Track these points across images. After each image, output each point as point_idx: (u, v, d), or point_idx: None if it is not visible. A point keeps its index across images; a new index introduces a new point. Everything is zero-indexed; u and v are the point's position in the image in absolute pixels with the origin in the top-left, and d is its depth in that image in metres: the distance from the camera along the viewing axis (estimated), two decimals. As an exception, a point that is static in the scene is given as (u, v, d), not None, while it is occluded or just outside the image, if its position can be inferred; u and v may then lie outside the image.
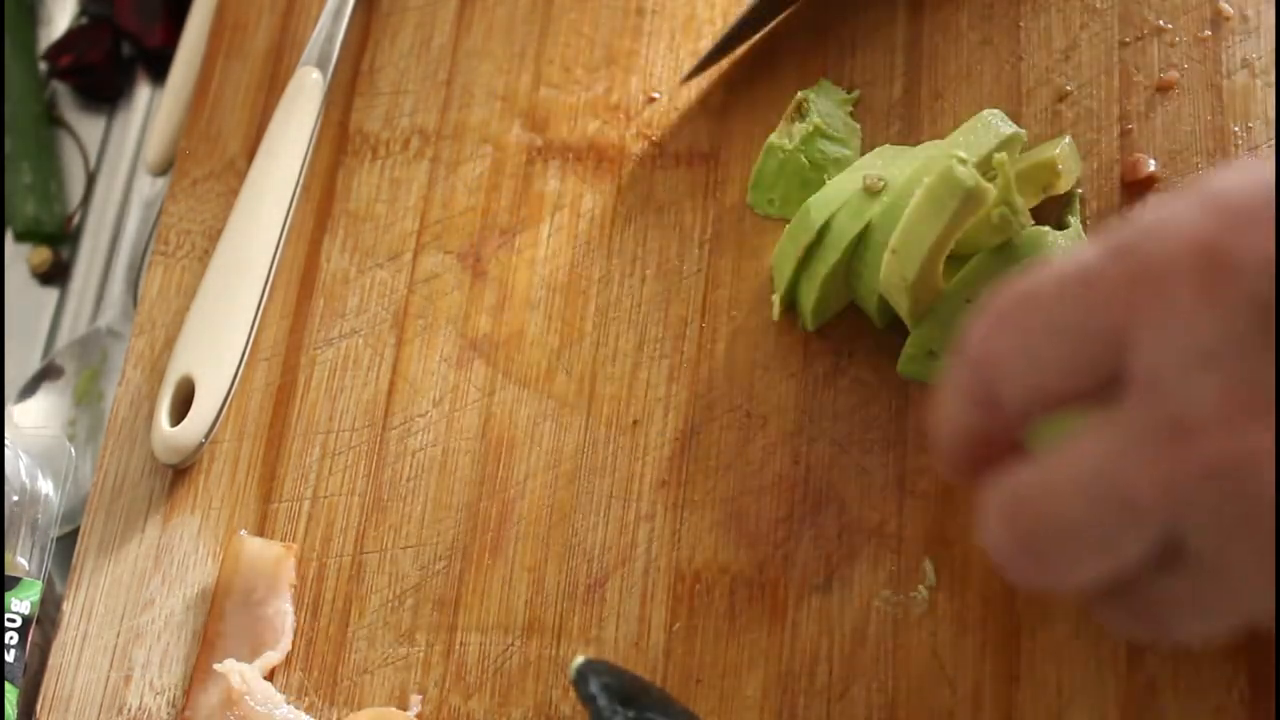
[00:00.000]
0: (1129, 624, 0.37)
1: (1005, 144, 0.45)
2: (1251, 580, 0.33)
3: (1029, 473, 0.34)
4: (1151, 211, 0.33)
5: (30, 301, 0.61)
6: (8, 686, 0.46)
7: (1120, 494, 0.32)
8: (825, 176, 0.49)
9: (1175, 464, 0.31)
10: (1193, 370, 0.31)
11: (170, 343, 0.51)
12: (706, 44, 0.54)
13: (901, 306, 0.45)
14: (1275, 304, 0.30)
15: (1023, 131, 0.46)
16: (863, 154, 0.50)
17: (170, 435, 0.49)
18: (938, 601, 0.44)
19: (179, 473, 0.50)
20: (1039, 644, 0.43)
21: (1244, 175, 0.32)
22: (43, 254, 0.61)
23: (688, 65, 0.53)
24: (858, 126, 0.51)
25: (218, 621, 0.46)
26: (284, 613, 0.46)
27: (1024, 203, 0.44)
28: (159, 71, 0.63)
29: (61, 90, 0.65)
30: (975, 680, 0.43)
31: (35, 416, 0.56)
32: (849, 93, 0.52)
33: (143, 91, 0.64)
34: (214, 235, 0.53)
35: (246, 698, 0.44)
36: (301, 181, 0.53)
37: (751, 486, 0.46)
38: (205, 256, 0.53)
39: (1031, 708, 0.42)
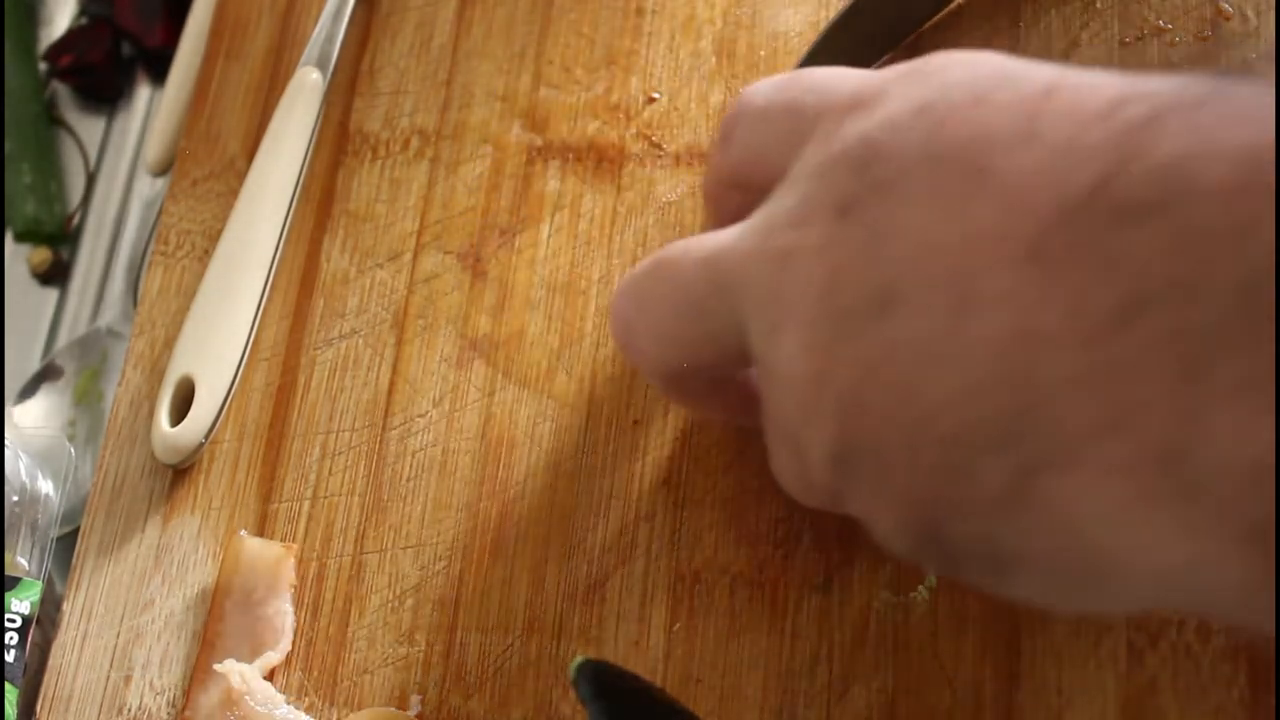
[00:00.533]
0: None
1: None
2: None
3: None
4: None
5: (30, 301, 0.61)
6: (8, 686, 0.46)
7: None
8: None
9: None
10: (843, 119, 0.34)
11: (170, 343, 0.51)
12: (706, 44, 0.54)
13: None
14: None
15: None
16: None
17: (170, 435, 0.49)
18: (938, 601, 0.44)
19: (179, 473, 0.50)
20: (1039, 644, 0.43)
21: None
22: (43, 254, 0.61)
23: (688, 66, 0.53)
24: None
25: (218, 621, 0.46)
26: (284, 613, 0.46)
27: None
28: (159, 71, 0.63)
29: (61, 90, 0.65)
30: (975, 680, 0.43)
31: (35, 416, 0.56)
32: None
33: (143, 91, 0.64)
34: (214, 235, 0.53)
35: (246, 698, 0.44)
36: (301, 181, 0.53)
37: (751, 486, 0.46)
38: (205, 256, 0.53)
39: (1031, 708, 0.42)
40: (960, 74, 0.33)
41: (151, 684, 0.46)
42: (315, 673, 0.46)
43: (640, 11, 0.55)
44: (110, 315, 0.58)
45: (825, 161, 0.33)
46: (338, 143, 0.55)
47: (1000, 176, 0.30)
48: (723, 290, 0.35)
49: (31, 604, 0.47)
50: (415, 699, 0.45)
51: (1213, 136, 0.27)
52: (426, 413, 0.49)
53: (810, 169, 0.34)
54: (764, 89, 0.39)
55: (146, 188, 0.60)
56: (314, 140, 0.54)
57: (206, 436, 0.49)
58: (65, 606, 0.48)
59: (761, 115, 0.38)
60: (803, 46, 0.53)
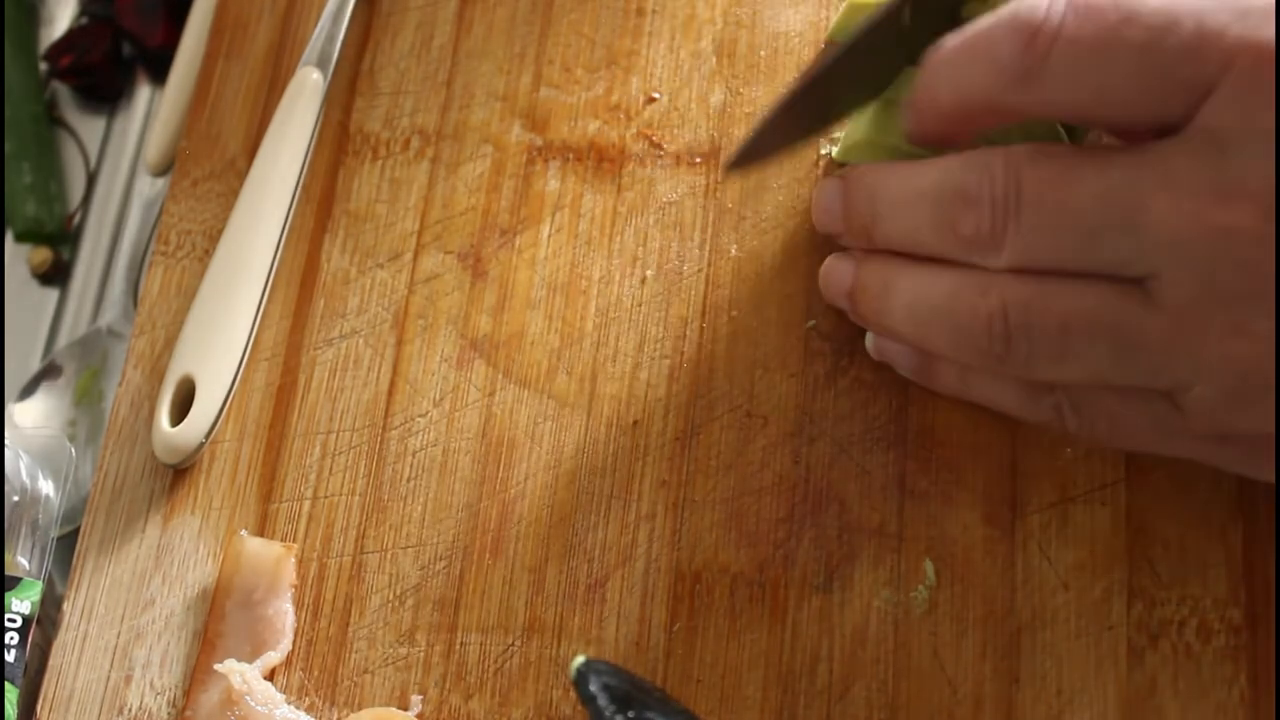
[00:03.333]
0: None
1: None
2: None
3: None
4: None
5: (30, 301, 0.61)
6: (8, 686, 0.46)
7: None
8: None
9: None
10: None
11: (170, 343, 0.51)
12: (706, 44, 0.54)
13: None
14: None
15: None
16: None
17: (170, 435, 0.49)
18: (938, 601, 0.44)
19: (179, 473, 0.50)
20: (1039, 644, 0.43)
21: None
22: (43, 254, 0.61)
23: (688, 66, 0.53)
24: None
25: (218, 621, 0.46)
26: (284, 613, 0.46)
27: None
28: (159, 71, 0.63)
29: (61, 90, 0.65)
30: (975, 680, 0.43)
31: (35, 416, 0.56)
32: None
33: (143, 91, 0.64)
34: (214, 235, 0.53)
35: (247, 698, 0.44)
36: (302, 181, 0.53)
37: (752, 486, 0.46)
38: (205, 256, 0.53)
39: (1031, 708, 0.42)
40: None
41: (152, 684, 0.47)
42: (316, 673, 0.46)
43: (640, 11, 0.55)
44: (110, 315, 0.58)
45: None
46: (338, 143, 0.55)
47: None
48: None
49: (32, 604, 0.47)
50: (416, 699, 0.45)
51: None
52: (427, 413, 0.49)
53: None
54: (1071, 18, 0.38)
55: (147, 188, 0.60)
56: (314, 140, 0.54)
57: (207, 436, 0.49)
58: (65, 606, 0.48)
59: (1097, 52, 0.37)
60: (803, 46, 0.53)
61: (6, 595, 0.47)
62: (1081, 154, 0.38)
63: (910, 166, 0.42)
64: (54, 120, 0.64)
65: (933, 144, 0.43)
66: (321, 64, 0.54)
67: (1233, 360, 0.37)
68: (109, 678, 0.47)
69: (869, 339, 0.47)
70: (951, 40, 0.40)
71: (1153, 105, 0.37)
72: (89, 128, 0.64)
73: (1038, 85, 0.38)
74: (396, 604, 0.47)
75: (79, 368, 0.57)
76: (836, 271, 0.46)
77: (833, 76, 0.44)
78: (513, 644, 0.46)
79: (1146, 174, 0.37)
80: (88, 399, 0.57)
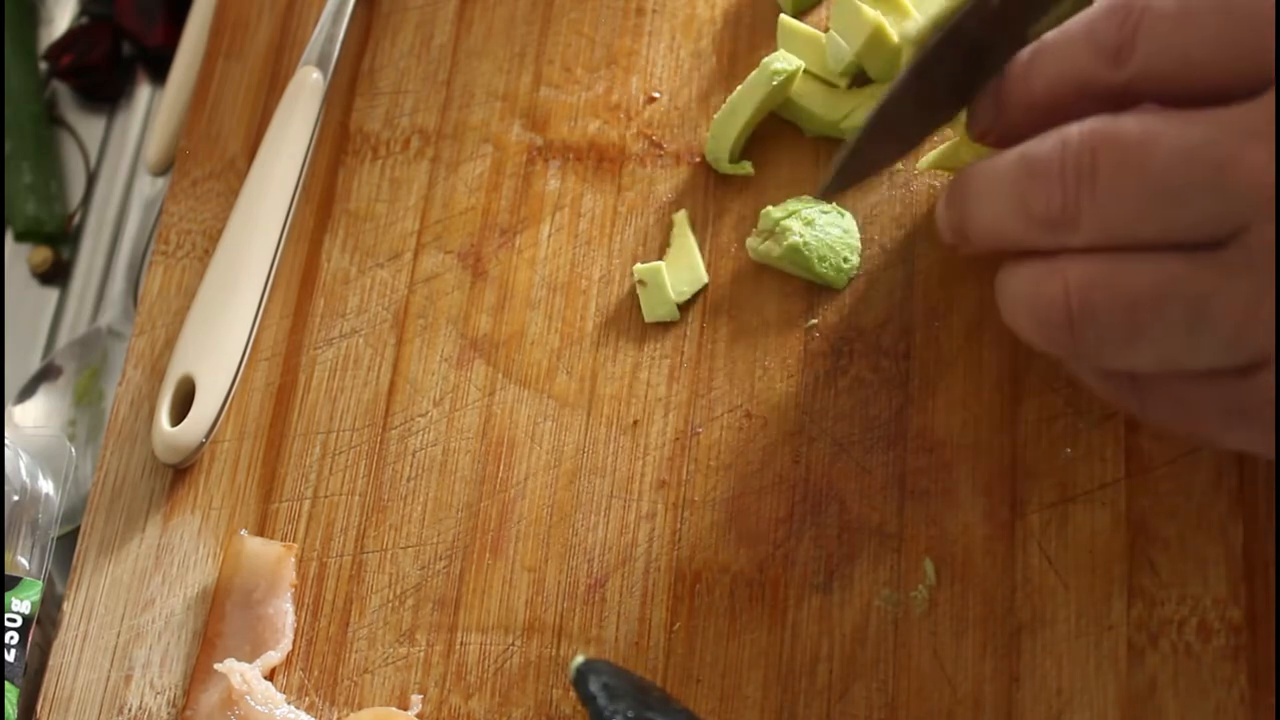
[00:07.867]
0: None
1: None
2: None
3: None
4: None
5: (30, 301, 0.61)
6: (8, 686, 0.46)
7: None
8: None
9: None
10: None
11: (170, 342, 0.51)
12: (706, 44, 0.54)
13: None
14: None
15: None
16: None
17: (170, 435, 0.49)
18: (938, 601, 0.44)
19: (179, 473, 0.50)
20: (1039, 644, 0.43)
21: None
22: (43, 254, 0.61)
23: (688, 66, 0.53)
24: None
25: (218, 621, 0.46)
26: (284, 612, 0.46)
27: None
28: (159, 71, 0.63)
29: (61, 90, 0.65)
30: (975, 680, 0.43)
31: (35, 416, 0.56)
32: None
33: (143, 91, 0.64)
34: (214, 235, 0.53)
35: (247, 697, 0.44)
36: (302, 181, 0.53)
37: (752, 486, 0.46)
38: (205, 256, 0.53)
39: (1031, 708, 0.42)
40: None
41: (152, 683, 0.47)
42: (316, 672, 0.46)
43: (640, 11, 0.55)
44: (110, 315, 0.58)
45: None
46: (338, 142, 0.55)
47: None
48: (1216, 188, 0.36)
49: (32, 604, 0.47)
50: (416, 699, 0.45)
51: None
52: (427, 412, 0.49)
53: None
54: None
55: (146, 188, 0.60)
56: (314, 140, 0.54)
57: (207, 436, 0.49)
58: (65, 606, 0.48)
59: (1179, 19, 0.37)
60: (803, 46, 0.53)
61: (6, 595, 0.47)
62: (1160, 117, 0.37)
63: (992, 157, 0.41)
64: (54, 120, 0.64)
65: (1000, 143, 0.41)
66: (321, 64, 0.54)
67: None
68: (109, 677, 0.47)
69: None
70: (1050, 33, 0.40)
71: (1237, 65, 0.36)
72: (89, 128, 0.64)
73: (1130, 59, 0.38)
74: (396, 604, 0.47)
75: (79, 368, 0.57)
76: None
77: (912, 91, 0.42)
78: (513, 644, 0.46)
79: (1233, 128, 0.36)
80: (88, 399, 0.57)
